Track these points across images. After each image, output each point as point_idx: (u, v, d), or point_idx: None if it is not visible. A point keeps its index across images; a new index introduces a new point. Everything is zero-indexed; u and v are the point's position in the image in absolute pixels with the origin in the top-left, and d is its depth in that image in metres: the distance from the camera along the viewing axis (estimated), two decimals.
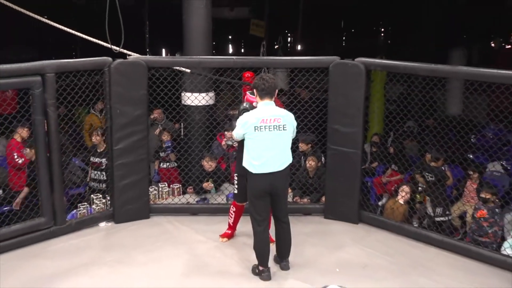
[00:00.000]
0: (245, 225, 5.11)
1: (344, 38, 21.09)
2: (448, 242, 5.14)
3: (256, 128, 4.28)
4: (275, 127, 4.30)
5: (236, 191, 5.10)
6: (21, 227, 5.17)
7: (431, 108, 5.68)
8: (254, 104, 4.73)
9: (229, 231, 5.28)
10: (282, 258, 4.67)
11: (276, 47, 16.45)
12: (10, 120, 5.47)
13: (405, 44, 16.97)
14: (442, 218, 6.72)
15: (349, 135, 5.48)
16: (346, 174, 5.56)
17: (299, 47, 18.65)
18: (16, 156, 6.12)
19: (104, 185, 6.48)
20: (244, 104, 4.84)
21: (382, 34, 21.07)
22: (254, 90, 4.45)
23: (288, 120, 4.39)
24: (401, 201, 6.56)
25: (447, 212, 6.86)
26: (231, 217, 5.23)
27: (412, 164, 7.75)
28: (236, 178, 5.06)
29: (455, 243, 5.15)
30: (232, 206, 5.23)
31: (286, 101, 6.41)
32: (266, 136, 4.30)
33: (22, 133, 6.04)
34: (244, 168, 4.63)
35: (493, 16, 14.84)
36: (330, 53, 5.62)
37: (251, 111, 4.45)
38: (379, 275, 4.63)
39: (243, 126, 4.33)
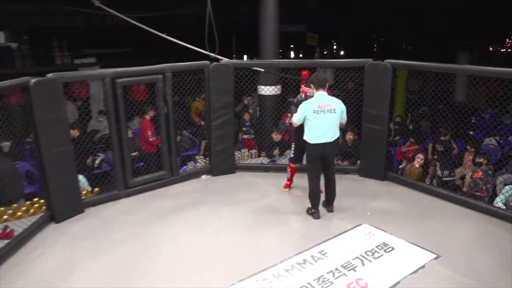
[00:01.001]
0: (301, 181, 5.12)
1: (375, 45, 20.25)
2: (452, 196, 4.91)
3: (315, 111, 4.24)
4: (328, 110, 4.25)
5: (292, 155, 5.13)
6: (150, 177, 5.40)
7: (442, 96, 5.39)
8: (308, 94, 4.68)
9: (288, 183, 5.29)
10: (329, 204, 4.65)
11: (325, 52, 16.10)
12: (142, 105, 5.71)
13: (421, 48, 16.26)
14: (448, 178, 6.47)
15: (378, 116, 5.30)
16: (375, 145, 5.40)
17: (342, 52, 18.20)
18: (150, 133, 6.31)
19: None
20: (301, 95, 4.80)
21: (404, 42, 20.08)
22: (311, 84, 4.39)
23: (337, 105, 4.32)
24: (417, 165, 6.34)
25: (452, 174, 6.58)
26: (289, 173, 5.25)
27: (426, 138, 7.45)
28: (293, 146, 5.08)
29: (457, 196, 4.92)
30: (289, 165, 5.24)
31: (338, 92, 6.27)
32: (321, 117, 4.25)
33: (150, 114, 6.24)
34: (299, 139, 4.67)
35: (492, 24, 13.82)
36: (365, 56, 5.43)
37: (309, 100, 4.39)
38: (399, 218, 4.52)
39: (305, 111, 4.28)
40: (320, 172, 4.50)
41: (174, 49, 6.66)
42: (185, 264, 3.74)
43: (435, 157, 6.90)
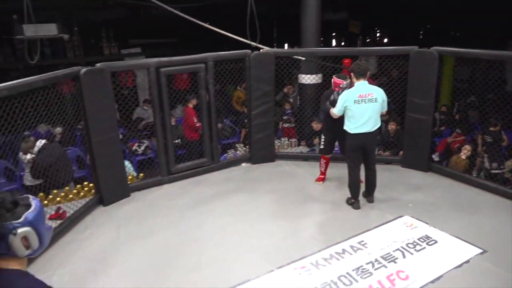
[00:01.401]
0: (339, 170, 5.06)
1: (421, 32, 19.35)
2: (501, 189, 4.67)
3: (355, 101, 4.15)
4: (369, 100, 4.15)
5: (322, 147, 5.05)
6: (191, 164, 5.52)
7: (492, 85, 5.10)
8: (340, 86, 4.57)
9: (322, 176, 5.19)
10: (369, 195, 4.56)
11: (367, 40, 15.61)
12: (185, 94, 5.80)
13: (470, 35, 15.31)
14: (497, 171, 6.14)
15: (423, 105, 5.10)
16: (420, 135, 5.22)
17: (385, 40, 17.58)
18: (195, 120, 6.40)
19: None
20: (334, 93, 4.63)
21: (451, 28, 19.04)
22: (352, 73, 4.28)
23: (378, 94, 4.20)
24: (463, 157, 6.07)
25: (502, 167, 6.24)
26: (322, 166, 5.16)
27: (473, 129, 7.09)
28: (322, 137, 5.01)
29: (507, 190, 4.67)
30: (321, 158, 5.15)
31: (381, 80, 6.07)
32: (362, 107, 4.15)
33: (193, 102, 6.34)
34: (328, 129, 4.74)
35: None
36: (410, 44, 5.23)
37: (349, 89, 4.29)
38: (442, 211, 4.36)
39: (346, 101, 4.18)
40: (360, 162, 4.42)
41: (216, 38, 6.69)
42: (224, 249, 3.81)
43: (484, 148, 6.57)
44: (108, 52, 10.75)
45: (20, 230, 1.57)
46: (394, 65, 5.43)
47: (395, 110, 5.99)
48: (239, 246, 3.85)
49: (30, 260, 1.71)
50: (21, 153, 5.17)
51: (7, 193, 1.62)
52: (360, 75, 4.21)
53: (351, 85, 4.45)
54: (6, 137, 5.53)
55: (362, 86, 4.21)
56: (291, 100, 7.91)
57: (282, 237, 3.98)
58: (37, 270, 1.66)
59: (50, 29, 6.60)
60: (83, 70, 4.33)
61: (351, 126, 4.25)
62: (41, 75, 3.97)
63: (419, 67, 5.05)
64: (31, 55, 6.09)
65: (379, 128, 4.37)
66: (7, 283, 1.56)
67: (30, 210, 1.60)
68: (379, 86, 4.42)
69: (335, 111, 4.35)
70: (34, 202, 1.64)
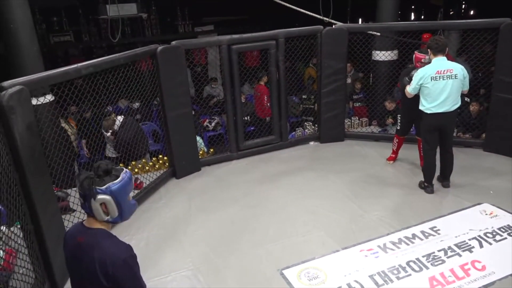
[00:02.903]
0: (412, 152, 4.85)
1: None
2: None
3: (432, 78, 3.88)
4: (448, 76, 3.86)
5: (398, 127, 4.85)
6: (260, 141, 5.58)
7: None
8: (422, 60, 4.27)
9: (393, 156, 5.02)
10: (444, 179, 4.31)
11: (451, 13, 14.40)
12: (255, 71, 5.83)
13: None
14: None
15: None
16: (506, 116, 4.78)
17: (471, 12, 16.07)
18: (266, 100, 6.39)
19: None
20: (412, 72, 4.33)
21: None
22: (429, 49, 3.99)
23: (459, 70, 3.89)
24: None
25: None
26: (395, 145, 4.97)
27: None
28: (399, 118, 4.79)
29: None
30: (395, 137, 4.95)
31: (463, 58, 5.58)
32: (440, 83, 3.87)
33: (264, 79, 6.32)
34: (406, 109, 4.47)
35: None
36: (501, 15, 4.73)
37: (426, 66, 4.01)
38: None
39: (421, 78, 3.92)
40: (437, 144, 4.16)
41: (287, 14, 6.60)
42: (290, 226, 3.85)
43: None
44: (183, 30, 11.10)
45: (100, 196, 1.73)
46: (488, 39, 4.95)
47: (478, 89, 5.51)
48: (306, 224, 3.86)
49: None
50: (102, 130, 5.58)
51: (105, 162, 1.79)
52: (438, 51, 3.92)
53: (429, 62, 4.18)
54: (92, 111, 6.02)
55: (441, 62, 3.92)
56: (348, 79, 7.59)
57: (349, 218, 3.92)
58: (116, 235, 1.82)
59: (130, 9, 6.96)
60: (160, 48, 4.51)
61: (427, 106, 3.98)
62: (122, 53, 4.21)
63: (511, 42, 4.57)
64: (113, 34, 6.47)
65: (459, 108, 4.06)
66: (94, 241, 1.75)
67: (115, 181, 1.75)
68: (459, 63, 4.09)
69: (410, 90, 4.11)
70: (123, 175, 1.79)
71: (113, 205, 1.76)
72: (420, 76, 3.94)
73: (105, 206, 1.76)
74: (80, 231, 1.82)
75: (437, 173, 4.32)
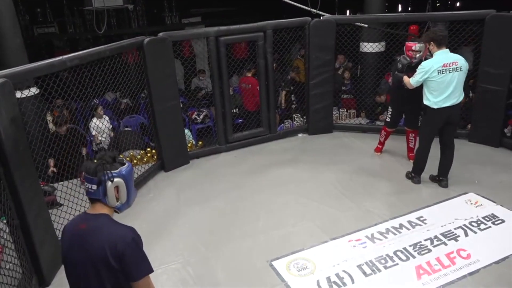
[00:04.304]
0: (399, 143, 4.91)
1: None
2: None
3: (439, 71, 3.80)
4: (454, 69, 3.81)
5: (388, 120, 4.83)
6: (249, 133, 5.57)
7: None
8: (413, 48, 4.29)
9: (380, 147, 5.06)
10: (443, 177, 4.22)
11: (438, 4, 14.46)
12: (243, 63, 5.80)
13: None
14: None
15: (498, 76, 4.72)
16: (491, 107, 4.86)
17: (457, 4, 16.21)
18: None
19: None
20: (405, 56, 4.37)
21: None
22: (432, 42, 3.88)
23: (462, 62, 3.85)
24: None
25: None
26: (382, 137, 4.99)
27: None
28: (390, 110, 4.78)
29: None
30: (383, 129, 4.96)
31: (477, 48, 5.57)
32: (447, 77, 3.81)
33: (252, 71, 6.27)
34: (396, 102, 4.51)
35: None
36: (487, 7, 4.78)
37: (431, 59, 3.92)
38: None
39: (427, 72, 3.82)
40: (433, 139, 4.13)
41: (275, 6, 6.57)
42: (279, 217, 3.87)
43: None
44: (170, 22, 10.97)
45: (116, 179, 1.82)
46: (467, 31, 5.00)
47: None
48: (294, 215, 3.89)
49: None
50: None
51: (109, 151, 1.93)
52: (440, 43, 3.87)
53: (425, 52, 4.20)
54: (78, 104, 5.91)
55: (446, 55, 3.87)
56: (340, 71, 7.62)
57: (338, 209, 3.95)
58: None
59: (116, 0, 6.84)
60: (146, 39, 4.46)
61: (434, 100, 3.88)
62: (108, 45, 4.15)
63: (496, 33, 4.64)
64: (98, 26, 6.37)
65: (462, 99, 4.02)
66: (99, 225, 1.82)
67: (124, 166, 1.87)
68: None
69: (413, 82, 3.99)
70: (127, 162, 1.93)
71: (124, 189, 1.87)
72: (426, 69, 3.85)
73: (117, 191, 1.85)
74: (82, 219, 1.88)
75: (432, 172, 4.30)
